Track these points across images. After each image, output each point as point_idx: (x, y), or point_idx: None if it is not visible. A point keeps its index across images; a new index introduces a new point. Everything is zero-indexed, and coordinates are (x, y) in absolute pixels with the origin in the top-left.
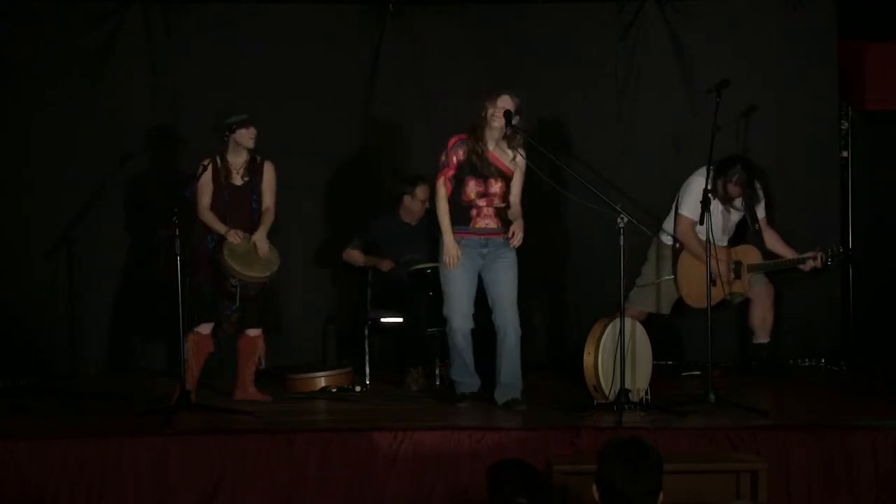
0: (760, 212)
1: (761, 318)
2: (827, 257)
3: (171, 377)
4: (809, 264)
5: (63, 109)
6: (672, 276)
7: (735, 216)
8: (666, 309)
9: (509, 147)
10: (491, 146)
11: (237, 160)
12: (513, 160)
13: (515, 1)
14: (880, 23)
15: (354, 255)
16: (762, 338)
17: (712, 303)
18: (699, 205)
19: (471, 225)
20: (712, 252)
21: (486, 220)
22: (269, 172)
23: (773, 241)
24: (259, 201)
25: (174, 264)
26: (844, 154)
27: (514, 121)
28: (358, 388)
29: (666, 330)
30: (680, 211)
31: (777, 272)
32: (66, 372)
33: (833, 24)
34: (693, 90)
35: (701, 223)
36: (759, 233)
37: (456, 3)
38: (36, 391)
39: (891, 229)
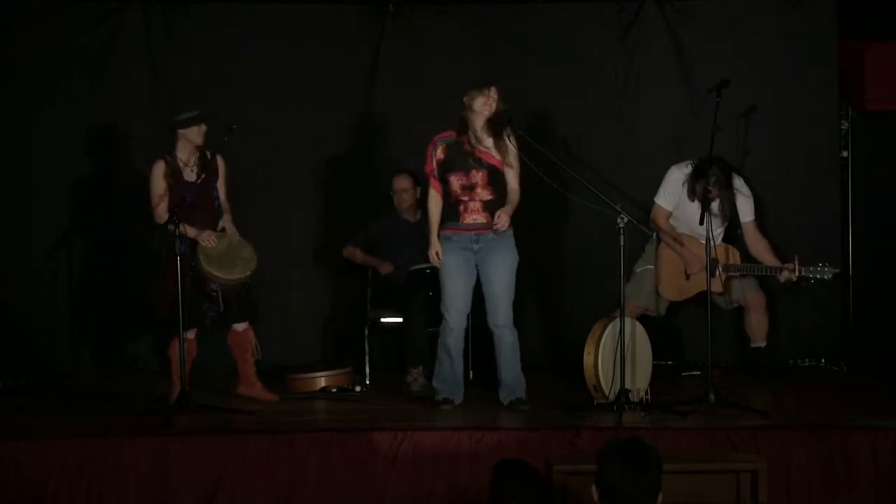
0: (748, 214)
1: (756, 324)
2: (810, 277)
3: (169, 377)
4: (785, 275)
5: (63, 109)
6: (653, 266)
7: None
8: (662, 309)
9: (494, 134)
10: (473, 138)
11: (188, 157)
12: (500, 146)
13: (515, 1)
14: (880, 23)
15: (354, 253)
16: (759, 342)
17: (687, 296)
18: (673, 195)
19: (460, 220)
20: (686, 244)
21: (474, 215)
22: (223, 167)
23: (757, 245)
24: (218, 197)
25: (174, 264)
26: (844, 154)
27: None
28: (358, 388)
29: (666, 330)
30: (655, 199)
31: (753, 276)
32: (66, 372)
33: (833, 24)
34: (693, 90)
35: (701, 223)
36: (741, 236)
37: (456, 3)
38: (36, 391)
39: (891, 229)
